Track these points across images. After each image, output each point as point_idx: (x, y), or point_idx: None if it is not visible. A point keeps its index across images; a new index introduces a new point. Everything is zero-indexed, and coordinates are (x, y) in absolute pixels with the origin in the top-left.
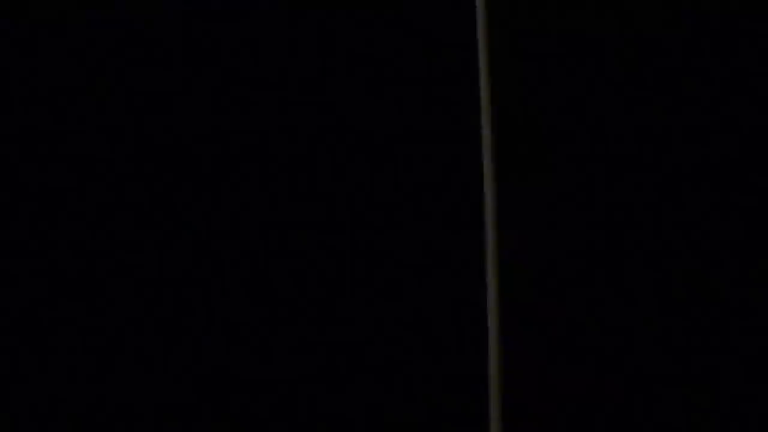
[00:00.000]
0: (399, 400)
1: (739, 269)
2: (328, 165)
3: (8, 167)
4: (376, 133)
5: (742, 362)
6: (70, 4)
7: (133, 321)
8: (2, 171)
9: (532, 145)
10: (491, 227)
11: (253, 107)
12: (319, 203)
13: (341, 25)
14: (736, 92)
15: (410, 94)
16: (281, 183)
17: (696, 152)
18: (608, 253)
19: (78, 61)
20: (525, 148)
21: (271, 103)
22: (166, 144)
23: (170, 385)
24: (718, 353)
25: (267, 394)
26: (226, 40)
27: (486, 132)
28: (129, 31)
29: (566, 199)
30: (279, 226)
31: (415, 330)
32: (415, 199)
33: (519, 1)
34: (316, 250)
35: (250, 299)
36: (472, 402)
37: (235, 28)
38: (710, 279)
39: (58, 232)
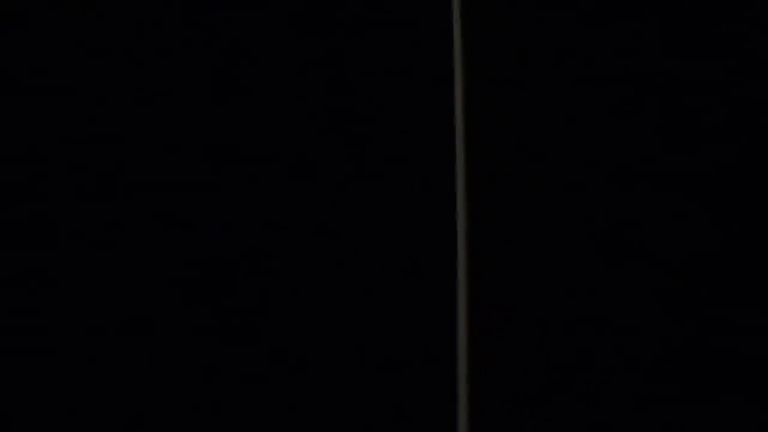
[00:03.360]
0: (366, 401)
1: (728, 271)
2: (298, 163)
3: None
4: (348, 131)
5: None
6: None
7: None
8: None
9: (505, 147)
10: (463, 229)
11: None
12: (292, 202)
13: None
14: (716, 94)
15: (383, 94)
16: (253, 178)
17: (676, 154)
18: (582, 255)
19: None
20: (498, 150)
21: (240, 94)
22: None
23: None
24: (696, 354)
25: (237, 393)
26: (200, 28)
27: (459, 132)
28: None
29: (539, 200)
30: (248, 223)
31: (384, 332)
32: (387, 200)
33: (495, 3)
34: (288, 250)
35: (222, 299)
36: (440, 405)
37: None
38: (690, 281)
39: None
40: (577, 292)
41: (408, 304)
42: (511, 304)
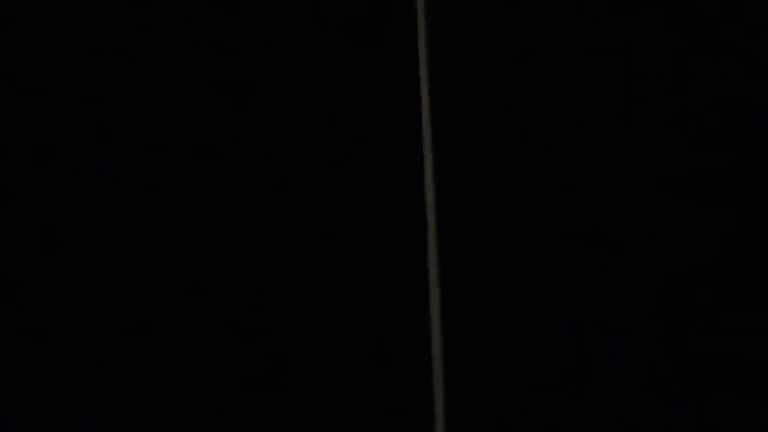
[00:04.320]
0: (341, 404)
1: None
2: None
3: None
4: (312, 128)
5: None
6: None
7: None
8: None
9: (473, 146)
10: (433, 229)
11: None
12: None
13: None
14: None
15: (346, 87)
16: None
17: (662, 154)
18: (558, 256)
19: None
20: (467, 149)
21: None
22: None
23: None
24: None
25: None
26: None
27: (426, 132)
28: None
29: (512, 198)
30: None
31: (355, 338)
32: (353, 201)
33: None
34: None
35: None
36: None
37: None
38: (683, 286)
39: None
40: (559, 292)
41: (379, 302)
42: (488, 304)
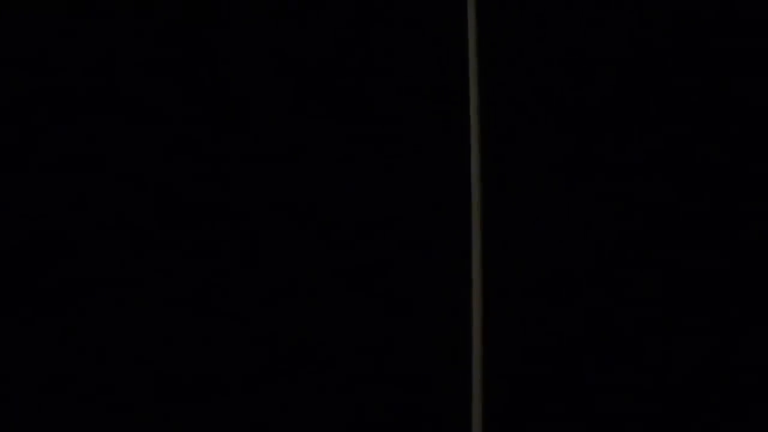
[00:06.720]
0: (379, 400)
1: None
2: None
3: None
4: (362, 128)
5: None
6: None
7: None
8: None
9: (520, 145)
10: (477, 227)
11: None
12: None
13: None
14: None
15: (396, 91)
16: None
17: (697, 156)
18: (596, 254)
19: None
20: (513, 148)
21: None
22: None
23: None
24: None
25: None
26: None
27: (474, 131)
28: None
29: (555, 196)
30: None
31: (398, 330)
32: (400, 199)
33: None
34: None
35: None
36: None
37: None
38: (713, 283)
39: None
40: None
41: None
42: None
